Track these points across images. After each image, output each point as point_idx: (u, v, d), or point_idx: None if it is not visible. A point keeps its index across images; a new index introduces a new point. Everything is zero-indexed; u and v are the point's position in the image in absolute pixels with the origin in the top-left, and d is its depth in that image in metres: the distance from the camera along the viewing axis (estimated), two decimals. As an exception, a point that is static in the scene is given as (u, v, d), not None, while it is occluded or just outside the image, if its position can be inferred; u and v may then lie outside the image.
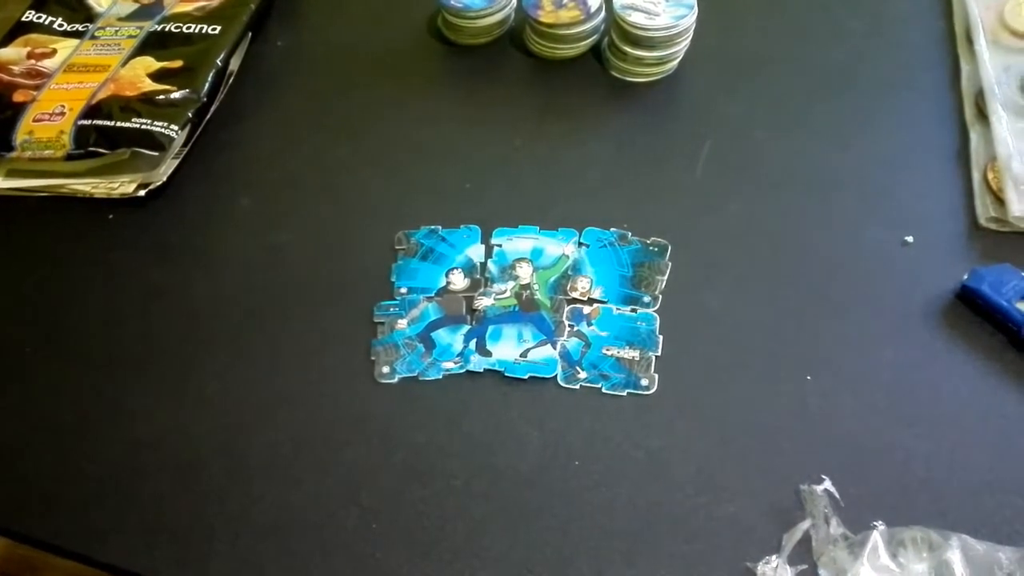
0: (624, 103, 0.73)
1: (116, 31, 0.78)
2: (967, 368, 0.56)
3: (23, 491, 0.54)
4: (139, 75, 0.72)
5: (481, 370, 0.57)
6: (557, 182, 0.68)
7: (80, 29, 0.79)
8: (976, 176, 0.65)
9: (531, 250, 0.63)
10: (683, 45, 0.73)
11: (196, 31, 0.77)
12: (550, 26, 0.74)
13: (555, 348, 0.58)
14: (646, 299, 0.60)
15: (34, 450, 0.56)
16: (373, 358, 0.58)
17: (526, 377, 0.56)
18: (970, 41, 0.74)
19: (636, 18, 0.70)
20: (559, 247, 0.63)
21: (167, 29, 0.77)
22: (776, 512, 0.50)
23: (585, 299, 0.60)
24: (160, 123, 0.68)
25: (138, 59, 0.74)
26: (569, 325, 0.59)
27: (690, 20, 0.71)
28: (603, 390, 0.56)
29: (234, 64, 0.77)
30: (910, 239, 0.62)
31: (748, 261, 0.62)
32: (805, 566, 0.48)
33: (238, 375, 0.58)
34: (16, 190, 0.69)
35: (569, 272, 0.61)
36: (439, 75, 0.78)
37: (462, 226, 0.65)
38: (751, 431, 0.53)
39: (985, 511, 0.49)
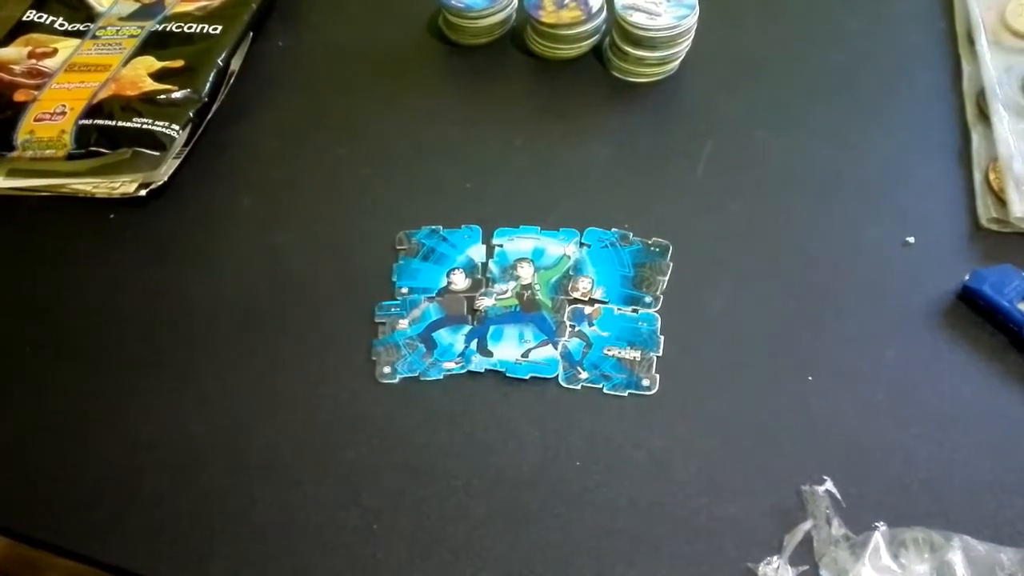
0: (625, 103, 0.73)
1: (117, 31, 0.78)
2: (968, 369, 0.55)
3: (22, 491, 0.54)
4: (140, 75, 0.72)
5: (482, 370, 0.57)
6: (558, 182, 0.67)
7: (81, 28, 0.79)
8: (977, 177, 0.65)
9: (532, 250, 0.63)
10: (684, 45, 0.73)
11: (197, 31, 0.76)
12: (551, 26, 0.74)
13: (556, 348, 0.58)
14: (647, 299, 0.60)
15: (34, 450, 0.56)
16: (374, 358, 0.58)
17: (527, 377, 0.56)
18: (971, 41, 0.73)
19: (637, 18, 0.70)
20: (560, 247, 0.63)
21: (168, 29, 0.77)
22: (777, 513, 0.50)
23: (586, 299, 0.60)
24: (161, 123, 0.68)
25: (139, 59, 0.74)
26: (570, 325, 0.59)
27: (691, 20, 0.71)
28: (604, 390, 0.56)
29: (235, 64, 0.77)
30: (911, 239, 0.62)
31: (749, 261, 0.62)
32: (806, 567, 0.48)
33: (238, 375, 0.58)
34: (17, 190, 0.69)
35: (570, 272, 0.61)
36: (440, 75, 0.78)
37: (463, 226, 0.65)
38: (752, 431, 0.53)
39: (987, 512, 0.49)
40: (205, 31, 0.76)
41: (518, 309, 0.60)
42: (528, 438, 0.54)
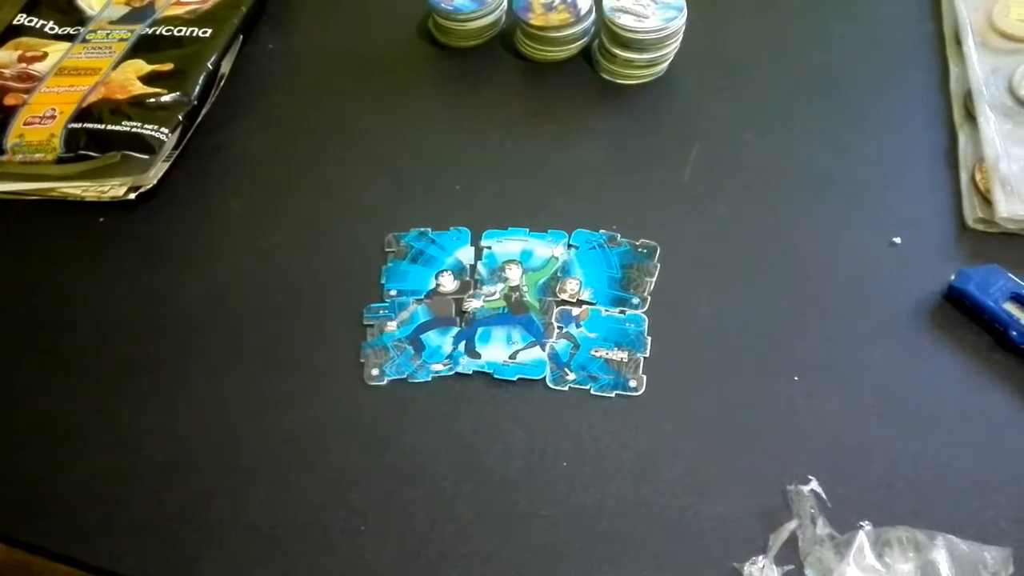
0: (614, 105, 0.74)
1: (107, 34, 0.78)
2: (954, 368, 0.56)
3: (13, 494, 0.54)
4: (130, 78, 0.73)
5: (470, 372, 0.57)
6: (547, 184, 0.68)
7: (71, 32, 0.79)
8: (964, 177, 0.65)
9: (520, 252, 0.63)
10: (673, 47, 0.73)
11: (187, 34, 0.77)
12: (540, 29, 0.74)
13: (544, 350, 0.58)
14: (635, 300, 0.60)
15: (24, 452, 0.56)
16: (362, 360, 0.58)
17: (515, 379, 0.57)
18: (958, 43, 0.74)
19: (625, 20, 0.71)
20: (548, 249, 0.63)
21: (158, 32, 0.77)
22: (763, 512, 0.50)
23: (574, 301, 0.60)
24: (151, 126, 0.68)
25: (129, 62, 0.74)
26: (558, 327, 0.59)
27: (679, 23, 0.71)
28: (591, 391, 0.56)
29: (225, 67, 0.77)
30: (898, 240, 0.62)
31: (736, 262, 0.62)
32: (792, 566, 0.48)
33: (228, 377, 0.58)
34: (6, 193, 0.69)
35: (558, 274, 0.62)
36: (429, 78, 0.78)
37: (452, 228, 0.65)
38: (738, 432, 0.54)
39: (971, 511, 0.50)
40: (195, 34, 0.76)
41: (506, 311, 0.60)
42: (515, 439, 0.54)
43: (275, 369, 0.58)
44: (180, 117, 0.70)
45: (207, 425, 0.56)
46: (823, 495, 0.50)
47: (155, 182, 0.68)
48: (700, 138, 0.70)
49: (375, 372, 0.57)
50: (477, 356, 0.58)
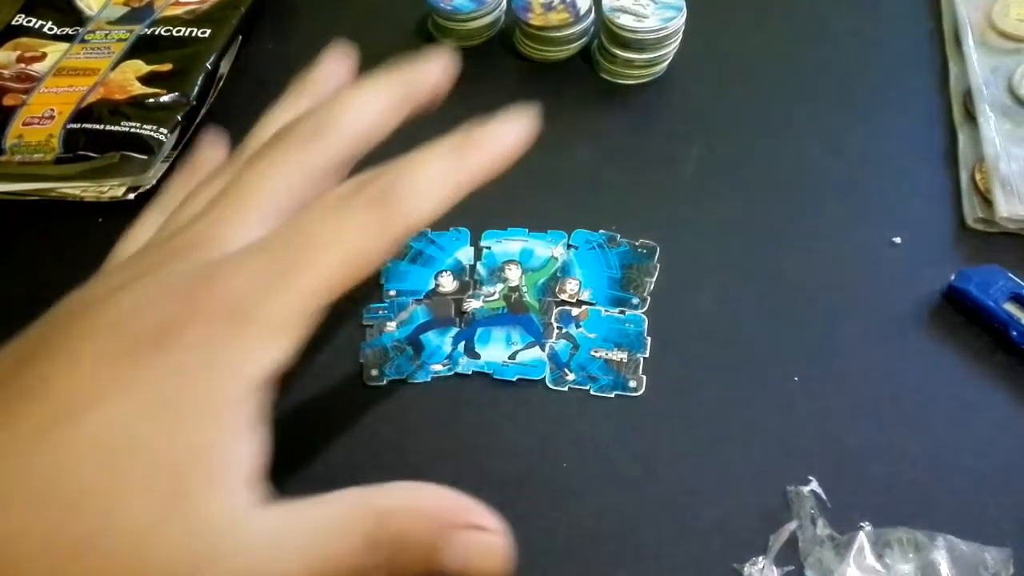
0: (613, 105, 0.73)
1: (106, 35, 0.78)
2: (954, 369, 0.56)
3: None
4: (129, 79, 0.72)
5: (470, 372, 0.57)
6: (546, 184, 0.68)
7: (70, 33, 0.79)
8: (964, 177, 0.65)
9: (520, 252, 0.63)
10: (672, 47, 0.73)
11: (186, 34, 0.77)
12: (540, 28, 0.74)
13: (543, 350, 0.58)
14: (634, 301, 0.60)
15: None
16: (362, 361, 0.58)
17: (515, 379, 0.57)
18: (958, 42, 0.74)
19: (625, 20, 0.71)
20: (548, 249, 0.63)
21: (157, 32, 0.77)
22: (763, 513, 0.50)
23: (574, 301, 0.60)
24: (150, 126, 0.68)
25: (128, 63, 0.74)
26: (557, 327, 0.59)
27: (679, 22, 0.71)
28: (591, 392, 0.56)
29: (224, 67, 0.77)
30: (897, 240, 0.62)
31: (736, 263, 0.62)
32: (792, 567, 0.48)
33: (227, 378, 0.58)
34: (5, 194, 0.69)
35: (558, 274, 0.62)
36: (429, 78, 0.78)
37: (451, 228, 0.65)
38: (738, 432, 0.54)
39: (971, 511, 0.50)
40: (194, 34, 0.76)
41: (506, 311, 0.60)
42: (515, 440, 0.54)
43: (274, 370, 0.58)
44: (179, 117, 0.69)
45: (206, 426, 0.56)
46: (823, 496, 0.50)
47: (154, 182, 0.68)
48: (700, 138, 0.70)
49: (374, 373, 0.57)
50: (476, 356, 0.58)
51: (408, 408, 0.56)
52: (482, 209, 0.66)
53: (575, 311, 0.60)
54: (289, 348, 0.31)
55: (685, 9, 0.71)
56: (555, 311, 0.60)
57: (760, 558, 0.48)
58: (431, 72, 0.41)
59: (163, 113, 0.69)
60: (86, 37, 0.78)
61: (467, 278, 0.62)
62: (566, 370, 0.57)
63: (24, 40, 0.78)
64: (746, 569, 0.48)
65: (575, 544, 0.50)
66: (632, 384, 0.56)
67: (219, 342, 0.30)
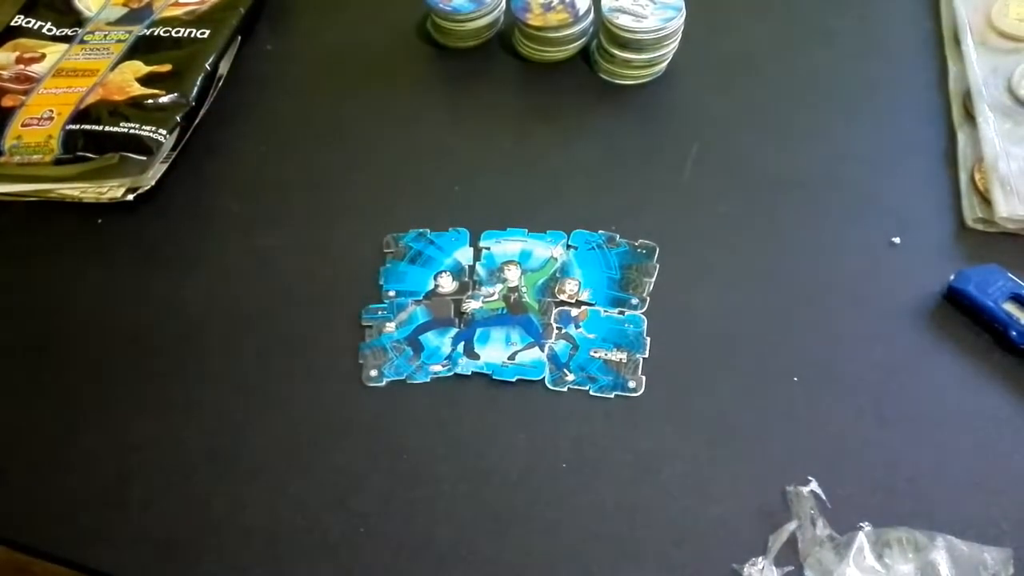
0: (612, 105, 0.73)
1: (105, 36, 0.78)
2: (953, 369, 0.56)
3: (12, 496, 0.54)
4: (128, 79, 0.72)
5: (469, 373, 0.57)
6: (545, 184, 0.68)
7: (69, 34, 0.79)
8: (963, 177, 0.65)
9: (519, 252, 0.63)
10: (671, 47, 0.73)
11: (185, 35, 0.77)
12: (538, 29, 0.74)
13: (543, 351, 0.58)
14: (634, 301, 0.60)
15: (23, 455, 0.56)
16: (361, 361, 0.58)
17: (514, 380, 0.57)
18: (957, 42, 0.74)
19: (624, 20, 0.70)
20: (547, 249, 0.63)
21: (156, 33, 0.77)
22: (762, 513, 0.50)
23: (573, 301, 0.60)
24: (149, 127, 0.68)
25: (127, 63, 0.74)
26: (557, 328, 0.59)
27: (678, 23, 0.71)
28: (591, 392, 0.56)
29: (223, 68, 0.77)
30: (897, 240, 0.62)
31: (735, 263, 0.62)
32: (791, 567, 0.48)
33: (226, 379, 0.58)
34: (4, 195, 0.69)
35: (557, 275, 0.62)
36: (428, 78, 0.78)
37: (450, 229, 0.65)
38: (738, 433, 0.54)
39: (971, 512, 0.50)
40: (193, 35, 0.76)
41: (505, 312, 0.60)
42: (514, 440, 0.54)
43: (273, 370, 0.58)
44: (178, 118, 0.69)
45: (206, 427, 0.56)
46: (823, 496, 0.50)
47: (153, 183, 0.68)
48: (699, 138, 0.70)
49: (374, 373, 0.57)
50: (476, 357, 0.58)
51: (408, 409, 0.56)
52: (481, 209, 0.66)
53: (574, 311, 0.60)
54: None
55: (684, 9, 0.71)
56: (554, 312, 0.60)
57: (760, 558, 0.48)
58: None
59: (162, 114, 0.69)
60: (85, 38, 0.78)
61: (466, 279, 0.62)
62: (565, 371, 0.57)
63: (23, 41, 0.78)
64: (746, 569, 0.48)
65: (574, 545, 0.50)
66: (631, 384, 0.56)
67: None
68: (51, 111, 0.70)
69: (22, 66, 0.75)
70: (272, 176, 0.70)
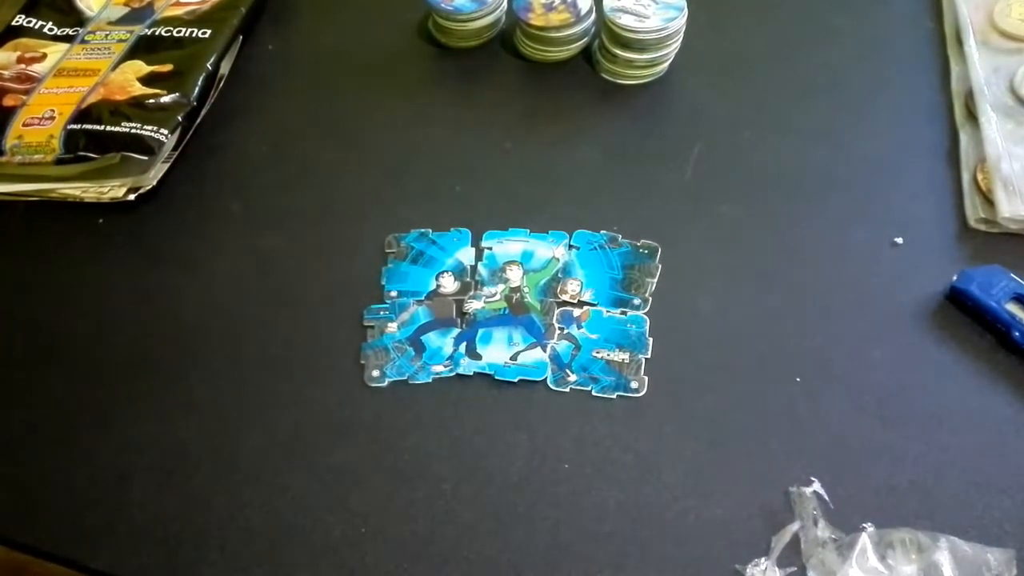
0: (614, 105, 0.73)
1: (106, 35, 0.78)
2: (956, 369, 0.56)
3: (12, 495, 0.54)
4: (129, 79, 0.72)
5: (471, 373, 0.57)
6: (547, 184, 0.68)
7: (71, 33, 0.79)
8: (965, 177, 0.65)
9: (521, 253, 0.63)
10: (673, 47, 0.73)
11: (186, 35, 0.76)
12: (540, 29, 0.74)
13: (545, 351, 0.58)
14: (636, 301, 0.60)
15: (23, 454, 0.55)
16: (363, 362, 0.58)
17: (516, 380, 0.56)
18: (960, 42, 0.74)
19: (626, 20, 0.70)
20: (549, 250, 0.63)
21: (157, 33, 0.77)
22: (765, 514, 0.50)
23: (575, 302, 0.60)
24: (150, 127, 0.68)
25: (128, 63, 0.74)
26: (559, 328, 0.59)
27: (680, 22, 0.71)
28: (593, 393, 0.56)
29: (224, 68, 0.77)
30: (899, 240, 0.62)
31: (738, 263, 0.62)
32: (794, 568, 0.48)
33: (227, 379, 0.58)
34: (5, 195, 0.69)
35: (559, 275, 0.61)
36: (429, 78, 0.78)
37: (452, 229, 0.65)
38: (740, 433, 0.53)
39: (974, 512, 0.49)
40: (194, 35, 0.76)
41: (507, 312, 0.60)
42: (517, 441, 0.54)
43: (275, 370, 0.58)
44: (179, 118, 0.69)
45: (207, 427, 0.56)
46: (825, 496, 0.50)
47: (155, 183, 0.68)
48: (701, 138, 0.70)
49: (375, 373, 0.57)
50: (478, 357, 0.58)
51: (409, 409, 0.56)
52: (483, 209, 0.66)
53: (577, 312, 0.60)
54: None
55: (686, 9, 0.71)
56: (557, 312, 0.60)
57: (762, 559, 0.48)
58: None
59: (163, 114, 0.69)
60: (86, 38, 0.78)
61: (468, 279, 0.62)
62: (568, 371, 0.57)
63: (24, 40, 0.78)
64: (748, 570, 0.48)
65: (576, 545, 0.50)
66: (634, 385, 0.56)
67: None
68: (52, 111, 0.70)
69: (23, 66, 0.75)
70: (273, 176, 0.70)
